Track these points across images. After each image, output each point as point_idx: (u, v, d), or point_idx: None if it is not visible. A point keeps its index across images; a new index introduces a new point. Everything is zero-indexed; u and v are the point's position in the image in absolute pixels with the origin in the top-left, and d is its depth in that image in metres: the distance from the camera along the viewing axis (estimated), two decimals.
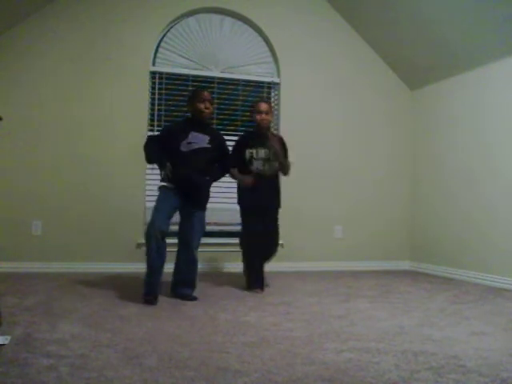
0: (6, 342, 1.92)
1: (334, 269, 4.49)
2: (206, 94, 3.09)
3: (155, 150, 3.01)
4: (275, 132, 3.43)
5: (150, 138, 3.16)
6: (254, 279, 3.29)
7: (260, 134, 3.34)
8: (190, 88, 4.37)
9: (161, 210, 2.89)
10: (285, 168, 3.35)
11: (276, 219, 3.40)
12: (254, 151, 3.28)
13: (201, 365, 1.75)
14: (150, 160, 3.10)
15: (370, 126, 4.81)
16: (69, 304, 2.72)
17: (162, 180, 2.99)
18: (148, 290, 2.83)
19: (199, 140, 3.02)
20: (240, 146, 3.35)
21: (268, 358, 1.84)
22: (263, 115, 3.28)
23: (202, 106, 3.04)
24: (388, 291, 3.45)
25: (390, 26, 4.44)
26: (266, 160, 3.28)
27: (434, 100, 4.62)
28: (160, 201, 2.94)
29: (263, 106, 3.30)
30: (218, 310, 2.68)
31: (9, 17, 3.88)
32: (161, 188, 2.99)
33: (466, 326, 2.46)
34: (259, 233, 3.27)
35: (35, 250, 3.97)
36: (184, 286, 3.01)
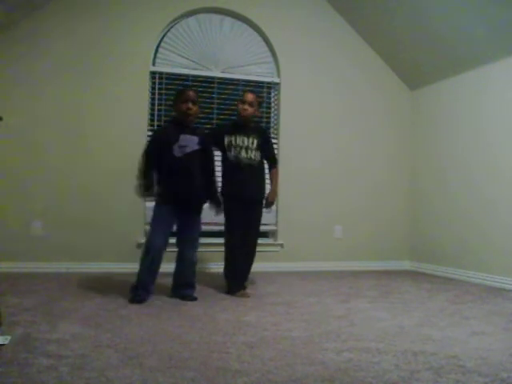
0: (6, 342, 1.92)
1: (334, 269, 4.49)
2: (189, 93, 2.93)
3: (146, 175, 2.91)
4: (261, 125, 3.41)
5: (144, 154, 2.98)
6: (235, 282, 3.19)
7: (240, 124, 3.32)
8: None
9: (159, 227, 2.87)
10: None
11: (258, 215, 3.31)
12: (233, 138, 3.25)
13: (201, 365, 1.75)
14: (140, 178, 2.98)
15: (369, 126, 4.81)
16: (69, 304, 2.72)
17: (156, 197, 2.94)
18: (135, 298, 2.82)
19: (190, 143, 2.92)
20: (219, 132, 3.35)
21: (268, 358, 1.84)
22: (246, 105, 3.23)
23: (184, 106, 2.91)
24: (388, 291, 3.45)
25: (390, 26, 4.44)
26: (244, 148, 3.24)
27: (434, 100, 4.62)
28: (159, 215, 2.90)
29: (248, 97, 3.25)
30: (217, 310, 2.68)
31: (9, 17, 3.88)
32: (157, 202, 2.93)
33: (466, 325, 2.46)
34: (240, 228, 3.20)
35: (35, 250, 3.97)
36: (186, 287, 3.01)
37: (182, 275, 3.02)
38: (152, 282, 2.90)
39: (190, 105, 2.91)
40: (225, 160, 3.28)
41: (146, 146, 3.02)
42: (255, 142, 3.27)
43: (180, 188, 2.90)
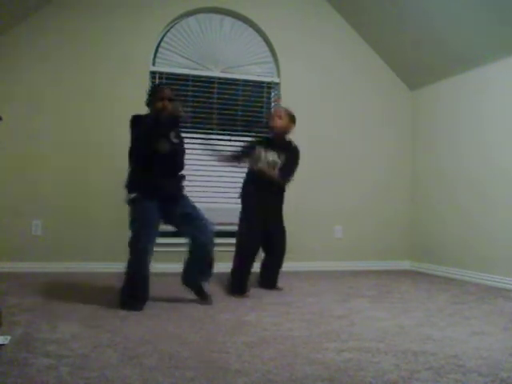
0: (6, 342, 1.92)
1: (334, 269, 4.49)
2: (165, 91, 2.82)
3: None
4: (294, 144, 3.39)
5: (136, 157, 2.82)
6: (238, 283, 3.21)
7: (272, 139, 3.39)
8: (191, 88, 4.38)
9: (147, 226, 2.71)
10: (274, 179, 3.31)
11: (281, 217, 3.53)
12: (263, 152, 3.28)
13: (201, 365, 1.75)
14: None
15: (369, 126, 4.81)
16: (69, 304, 2.72)
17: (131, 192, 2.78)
18: (135, 301, 2.68)
19: (167, 135, 2.80)
20: (253, 144, 3.42)
21: (268, 358, 1.84)
22: (275, 118, 3.32)
23: (159, 104, 2.78)
24: (388, 291, 3.45)
25: (390, 26, 4.44)
26: (271, 165, 3.26)
27: (434, 100, 4.62)
28: (143, 212, 2.72)
29: (277, 110, 3.45)
30: (218, 310, 2.68)
31: (9, 17, 3.88)
32: (135, 199, 2.74)
33: (466, 326, 2.46)
34: (260, 233, 3.27)
35: (35, 250, 3.97)
36: (203, 274, 2.90)
37: (200, 262, 2.84)
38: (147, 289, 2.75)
39: (166, 102, 2.81)
40: (251, 170, 3.33)
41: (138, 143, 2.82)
42: (282, 160, 3.29)
43: (155, 180, 2.77)
